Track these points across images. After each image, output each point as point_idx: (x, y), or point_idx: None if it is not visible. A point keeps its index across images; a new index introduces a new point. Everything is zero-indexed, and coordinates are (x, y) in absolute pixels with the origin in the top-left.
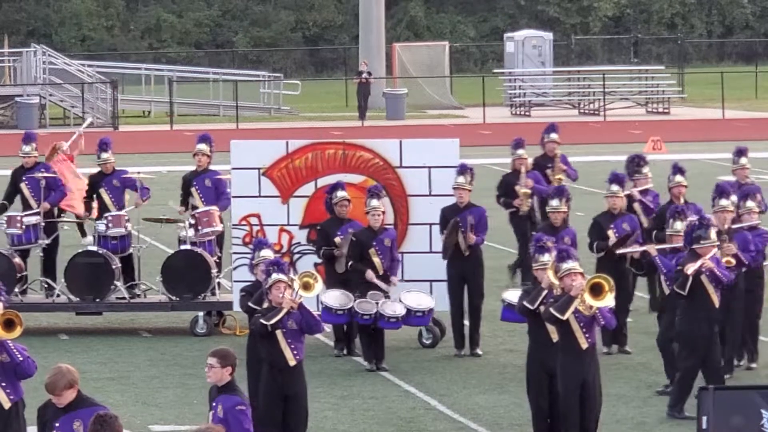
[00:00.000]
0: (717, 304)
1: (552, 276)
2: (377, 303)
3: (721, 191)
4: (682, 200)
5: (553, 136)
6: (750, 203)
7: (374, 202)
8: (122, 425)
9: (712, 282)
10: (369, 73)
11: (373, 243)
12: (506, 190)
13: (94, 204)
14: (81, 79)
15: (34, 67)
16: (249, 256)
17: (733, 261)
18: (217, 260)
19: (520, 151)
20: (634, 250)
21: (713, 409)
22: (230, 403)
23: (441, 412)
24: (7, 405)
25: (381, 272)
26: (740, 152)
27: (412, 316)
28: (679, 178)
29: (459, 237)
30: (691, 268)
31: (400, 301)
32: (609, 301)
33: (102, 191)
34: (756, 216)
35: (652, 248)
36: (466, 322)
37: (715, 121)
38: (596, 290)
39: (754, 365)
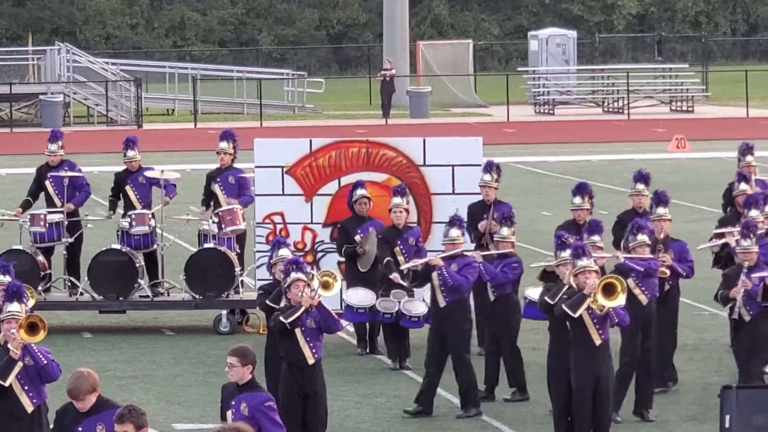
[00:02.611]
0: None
1: (567, 275)
2: (399, 302)
3: (659, 199)
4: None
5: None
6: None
7: (396, 200)
8: (147, 422)
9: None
10: (386, 70)
11: (398, 242)
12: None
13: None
14: (105, 77)
15: (58, 65)
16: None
17: (668, 272)
18: (237, 255)
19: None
20: (712, 244)
21: (736, 408)
22: (257, 401)
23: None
24: (29, 409)
25: (405, 271)
26: (747, 149)
27: (406, 320)
28: (640, 186)
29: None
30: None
31: (423, 300)
32: (621, 301)
33: (128, 188)
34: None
35: (478, 254)
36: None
37: (739, 119)
38: (609, 290)
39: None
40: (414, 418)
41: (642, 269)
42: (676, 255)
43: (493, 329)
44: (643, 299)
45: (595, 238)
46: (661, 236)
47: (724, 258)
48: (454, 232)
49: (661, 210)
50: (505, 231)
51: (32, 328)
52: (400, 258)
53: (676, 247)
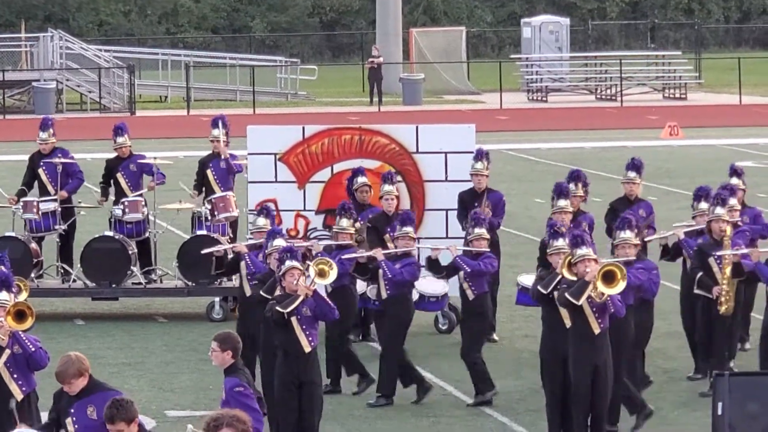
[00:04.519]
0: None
1: (562, 266)
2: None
3: (559, 191)
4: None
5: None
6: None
7: (387, 187)
8: (138, 410)
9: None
10: (375, 57)
11: (387, 228)
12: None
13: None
14: (98, 64)
15: (51, 52)
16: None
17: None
18: (229, 241)
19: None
20: (661, 236)
21: (729, 396)
22: (229, 385)
23: (457, 398)
24: (19, 397)
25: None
26: (735, 173)
27: (425, 302)
28: (632, 174)
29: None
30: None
31: (414, 287)
32: (620, 289)
33: (119, 176)
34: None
35: (379, 252)
36: None
37: (732, 106)
38: (609, 278)
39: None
40: (407, 405)
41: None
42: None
43: (386, 328)
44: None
45: (480, 230)
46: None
47: (670, 250)
48: (261, 221)
49: (562, 202)
50: (478, 230)
51: (20, 315)
52: (390, 245)
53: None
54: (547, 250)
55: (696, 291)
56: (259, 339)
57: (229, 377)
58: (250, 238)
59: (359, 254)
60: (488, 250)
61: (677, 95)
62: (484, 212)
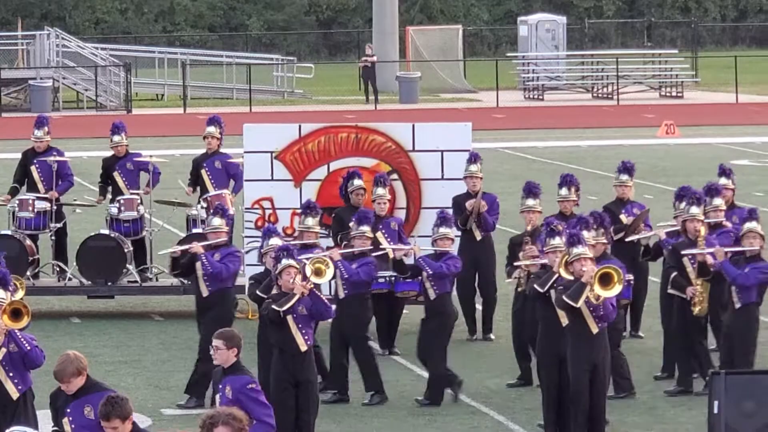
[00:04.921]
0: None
1: (559, 265)
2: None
3: (529, 189)
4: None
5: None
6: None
7: (380, 191)
8: (133, 407)
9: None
10: (368, 56)
11: (380, 227)
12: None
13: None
14: (94, 62)
15: (48, 50)
16: (259, 242)
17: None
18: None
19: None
20: (644, 235)
21: (725, 394)
22: (240, 383)
23: (453, 396)
24: (15, 395)
25: (391, 255)
26: (710, 191)
27: (401, 282)
28: (624, 177)
29: (473, 223)
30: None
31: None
32: (616, 291)
33: (115, 174)
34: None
35: (336, 252)
36: (479, 307)
37: (729, 105)
38: (605, 280)
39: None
40: (403, 403)
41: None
42: None
43: (344, 328)
44: None
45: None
46: (528, 227)
47: (651, 250)
48: (216, 221)
49: (530, 201)
50: (443, 229)
51: (16, 314)
52: (384, 243)
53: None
54: (544, 249)
55: (670, 291)
56: None
57: (236, 376)
58: (247, 237)
59: (318, 255)
60: (451, 250)
61: (674, 94)
62: (478, 205)
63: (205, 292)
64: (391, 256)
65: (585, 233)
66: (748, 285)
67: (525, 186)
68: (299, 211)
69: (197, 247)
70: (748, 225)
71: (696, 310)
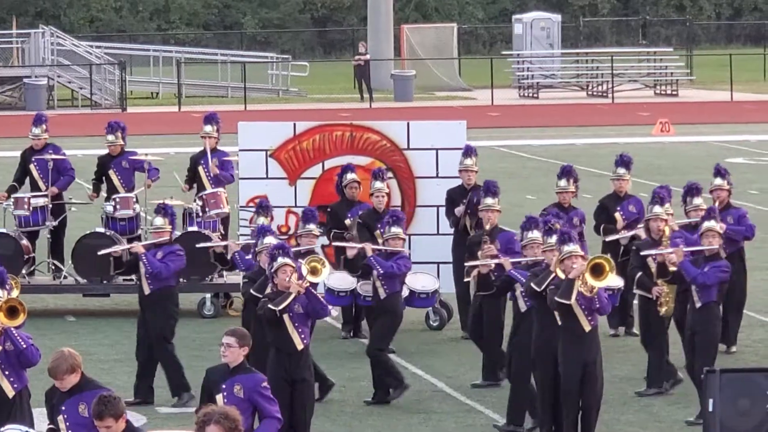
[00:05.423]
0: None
1: (555, 265)
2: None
3: (488, 188)
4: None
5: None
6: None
7: (378, 184)
8: (125, 406)
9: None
10: (361, 55)
11: (377, 225)
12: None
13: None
14: (89, 60)
15: (42, 48)
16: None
17: (492, 264)
18: (220, 237)
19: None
20: (623, 235)
21: (719, 392)
22: (254, 382)
23: (448, 394)
24: (10, 394)
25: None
26: (691, 191)
27: (415, 298)
28: (621, 171)
29: (466, 219)
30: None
31: (405, 283)
32: (610, 280)
33: (111, 173)
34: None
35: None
36: None
37: (724, 103)
38: (597, 270)
39: None
40: (399, 402)
41: None
42: (503, 246)
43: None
44: None
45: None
46: (487, 227)
47: (628, 251)
48: (159, 221)
49: (489, 200)
50: (394, 229)
51: (12, 311)
52: (381, 240)
53: (503, 238)
54: (542, 247)
55: (635, 291)
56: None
57: (247, 375)
58: (242, 235)
59: (215, 243)
60: (403, 249)
61: (669, 92)
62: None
63: (147, 290)
64: (349, 256)
65: (537, 233)
66: (708, 284)
67: (483, 185)
68: (294, 209)
69: (138, 246)
70: (706, 224)
71: (662, 310)
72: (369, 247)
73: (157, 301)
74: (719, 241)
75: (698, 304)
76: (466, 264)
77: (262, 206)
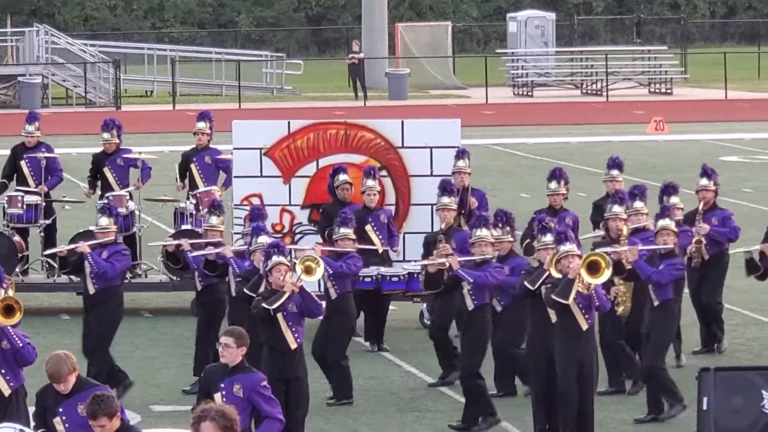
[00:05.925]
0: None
1: (550, 264)
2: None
3: (444, 187)
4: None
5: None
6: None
7: (369, 182)
8: (119, 405)
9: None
10: (355, 53)
11: (369, 219)
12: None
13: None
14: (83, 58)
15: (37, 46)
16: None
17: (447, 264)
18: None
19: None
20: (588, 236)
21: (713, 390)
22: (253, 381)
23: (442, 393)
24: (7, 392)
25: (381, 249)
26: (668, 189)
27: (414, 280)
28: (614, 172)
29: (460, 219)
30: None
31: (404, 268)
32: (606, 278)
33: (105, 170)
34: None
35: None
36: None
37: (718, 101)
38: (593, 268)
39: None
40: (393, 400)
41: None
42: (458, 245)
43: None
44: None
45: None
46: (444, 225)
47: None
48: (104, 221)
49: (445, 199)
50: (344, 230)
51: (8, 310)
52: (374, 236)
53: (458, 237)
54: (535, 246)
55: None
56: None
57: (247, 374)
58: (236, 233)
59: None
60: (353, 250)
61: (663, 90)
62: (469, 204)
63: (91, 290)
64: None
65: (485, 231)
66: (664, 282)
67: (440, 184)
68: (288, 207)
69: (83, 246)
70: (661, 222)
71: (619, 310)
72: (318, 248)
73: (101, 301)
74: (674, 240)
75: (656, 303)
76: (418, 263)
77: (215, 205)
